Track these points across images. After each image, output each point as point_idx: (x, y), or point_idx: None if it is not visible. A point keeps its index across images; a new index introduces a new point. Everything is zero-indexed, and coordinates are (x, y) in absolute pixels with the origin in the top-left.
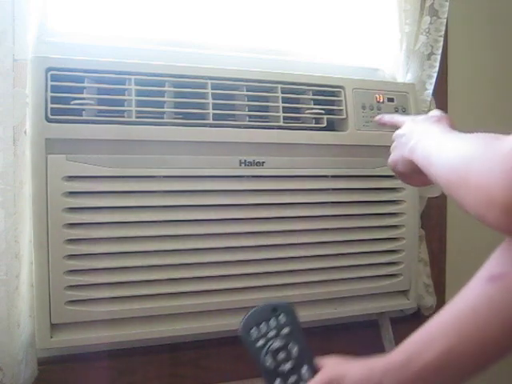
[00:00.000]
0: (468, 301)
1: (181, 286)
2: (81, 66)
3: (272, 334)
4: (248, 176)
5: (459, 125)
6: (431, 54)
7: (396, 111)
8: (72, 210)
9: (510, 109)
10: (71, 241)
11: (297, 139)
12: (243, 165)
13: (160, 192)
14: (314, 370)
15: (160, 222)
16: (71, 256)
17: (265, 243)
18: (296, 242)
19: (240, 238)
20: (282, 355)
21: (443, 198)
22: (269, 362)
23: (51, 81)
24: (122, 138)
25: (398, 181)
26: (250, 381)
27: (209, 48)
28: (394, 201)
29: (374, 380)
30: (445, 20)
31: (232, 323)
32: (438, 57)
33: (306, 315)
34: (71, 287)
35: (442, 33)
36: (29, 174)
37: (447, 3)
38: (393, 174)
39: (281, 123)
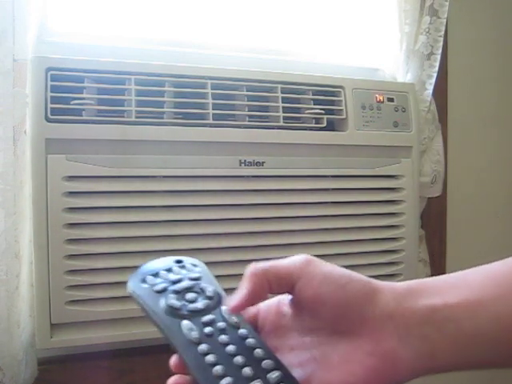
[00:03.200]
0: None
1: None
2: (81, 66)
3: (176, 277)
4: (248, 176)
5: (459, 125)
6: (431, 53)
7: (396, 111)
8: (72, 209)
9: (511, 109)
10: (71, 241)
11: (297, 139)
12: (243, 165)
13: (160, 192)
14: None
15: (160, 221)
16: (71, 256)
17: (265, 243)
18: (296, 241)
19: (240, 237)
20: (190, 295)
21: (443, 197)
22: (172, 301)
23: (51, 81)
24: (122, 138)
25: (398, 181)
26: None
27: (209, 48)
28: (394, 201)
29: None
30: (445, 20)
31: None
32: (438, 57)
33: None
34: (71, 287)
35: (442, 33)
36: (29, 174)
37: (447, 3)
38: (393, 174)
39: (281, 123)
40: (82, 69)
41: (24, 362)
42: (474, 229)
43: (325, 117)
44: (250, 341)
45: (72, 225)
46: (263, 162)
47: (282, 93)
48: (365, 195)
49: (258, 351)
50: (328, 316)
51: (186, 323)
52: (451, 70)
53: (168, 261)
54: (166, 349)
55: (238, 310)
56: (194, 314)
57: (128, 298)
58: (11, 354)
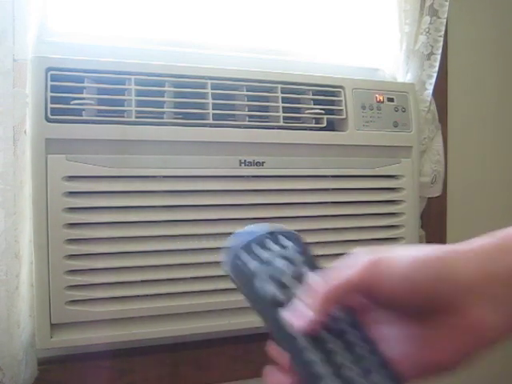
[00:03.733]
0: None
1: (181, 286)
2: (81, 66)
3: (269, 255)
4: (248, 176)
5: (459, 125)
6: (431, 53)
7: (396, 111)
8: (72, 209)
9: (511, 109)
10: (71, 241)
11: (297, 139)
12: (243, 165)
13: (160, 192)
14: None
15: (160, 221)
16: (71, 256)
17: None
18: None
19: None
20: (287, 278)
21: (443, 197)
22: (268, 287)
23: (51, 81)
24: (122, 138)
25: (398, 181)
26: (249, 381)
27: (209, 48)
28: (394, 201)
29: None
30: (445, 20)
31: (232, 323)
32: (438, 57)
33: None
34: (71, 287)
35: (442, 33)
36: (29, 174)
37: (447, 3)
38: (393, 174)
39: (281, 123)
40: (81, 69)
41: (24, 362)
42: (474, 229)
43: (325, 117)
44: (351, 336)
45: (72, 225)
46: (263, 162)
47: (282, 93)
48: (365, 195)
49: (360, 348)
50: (408, 310)
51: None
52: (451, 70)
53: (260, 232)
54: (166, 349)
55: (301, 330)
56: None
57: (128, 297)
58: (11, 354)
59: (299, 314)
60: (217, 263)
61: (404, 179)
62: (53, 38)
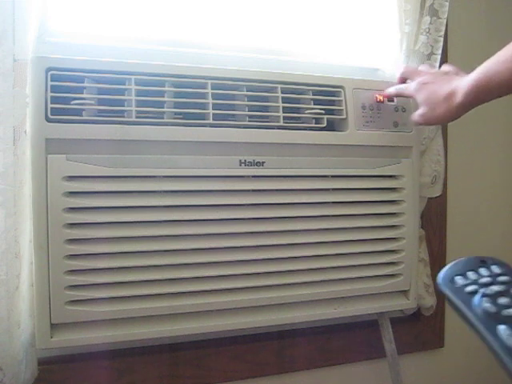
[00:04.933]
0: None
1: (181, 286)
2: (81, 66)
3: (485, 280)
4: (248, 176)
5: (459, 124)
6: (431, 54)
7: (396, 111)
8: (72, 210)
9: (510, 109)
10: (71, 241)
11: (297, 139)
12: (243, 165)
13: (160, 192)
14: None
15: (160, 221)
16: (71, 256)
17: (265, 243)
18: (296, 241)
19: (240, 237)
20: (504, 300)
21: (443, 197)
22: (487, 305)
23: (51, 81)
24: (122, 138)
25: (398, 181)
26: (249, 381)
27: (209, 48)
28: (394, 201)
29: None
30: (445, 20)
31: (232, 323)
32: (438, 57)
33: (306, 315)
34: (71, 287)
35: (442, 33)
36: (29, 174)
37: (447, 3)
38: (393, 174)
39: (281, 123)
40: (81, 69)
41: (24, 362)
42: (474, 229)
43: (325, 117)
44: None
45: (72, 225)
46: (263, 162)
47: (282, 93)
48: (365, 195)
49: None
50: None
51: (503, 328)
52: None
53: (474, 261)
54: (166, 349)
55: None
56: (510, 320)
57: (128, 297)
58: (11, 354)
59: None
60: (216, 263)
61: (404, 179)
62: (53, 38)
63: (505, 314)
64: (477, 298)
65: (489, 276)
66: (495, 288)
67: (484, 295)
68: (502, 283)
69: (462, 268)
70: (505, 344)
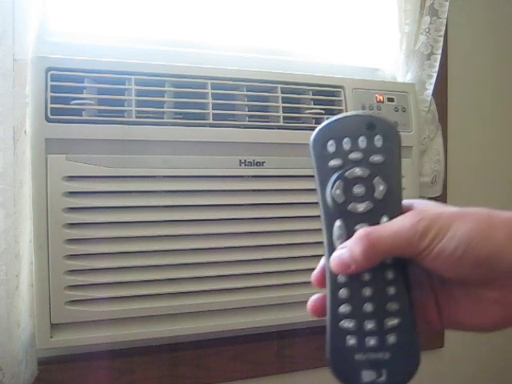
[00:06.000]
0: None
1: (180, 286)
2: (81, 66)
3: (355, 156)
4: (248, 176)
5: (459, 125)
6: (431, 54)
7: (396, 111)
8: (72, 209)
9: (510, 109)
10: (71, 241)
11: (297, 139)
12: (243, 165)
13: (160, 192)
14: None
15: (160, 221)
16: (71, 256)
17: (265, 243)
18: (296, 241)
19: (240, 237)
20: (359, 189)
21: (443, 197)
22: (337, 193)
23: (51, 81)
24: (122, 138)
25: None
26: (249, 381)
27: (209, 48)
28: None
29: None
30: (445, 20)
31: (232, 323)
32: (438, 57)
33: (306, 315)
34: (71, 287)
35: (442, 33)
36: (29, 174)
37: (447, 3)
38: None
39: (281, 123)
40: (81, 69)
41: (24, 361)
42: None
43: (325, 117)
44: (390, 274)
45: (72, 225)
46: (263, 162)
47: (282, 93)
48: None
49: (391, 289)
50: (453, 278)
51: (338, 224)
52: (451, 70)
53: (361, 122)
54: (166, 349)
55: (342, 273)
56: (351, 216)
57: (128, 297)
58: (11, 354)
59: (342, 261)
60: (216, 263)
61: (404, 179)
62: (53, 38)
63: (350, 208)
64: (332, 179)
65: (363, 150)
66: (358, 172)
67: (339, 177)
68: (372, 165)
69: (343, 130)
70: (333, 242)
